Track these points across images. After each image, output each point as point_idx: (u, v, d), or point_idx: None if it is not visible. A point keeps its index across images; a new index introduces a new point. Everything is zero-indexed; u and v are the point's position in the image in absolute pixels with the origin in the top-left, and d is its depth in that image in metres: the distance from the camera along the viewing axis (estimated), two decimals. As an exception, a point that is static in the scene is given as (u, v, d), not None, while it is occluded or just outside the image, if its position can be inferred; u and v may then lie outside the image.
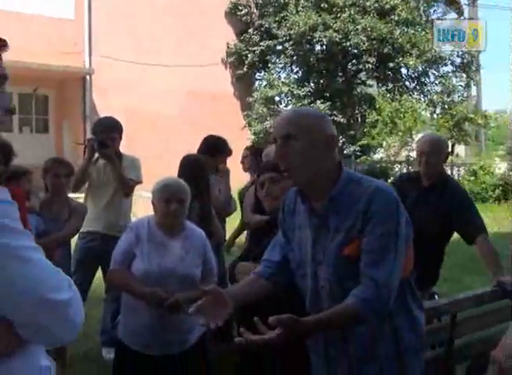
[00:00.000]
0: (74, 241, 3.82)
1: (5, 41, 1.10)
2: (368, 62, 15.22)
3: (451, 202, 3.02)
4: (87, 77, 12.99)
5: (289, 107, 16.00)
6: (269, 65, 16.49)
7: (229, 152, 4.12)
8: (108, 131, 3.86)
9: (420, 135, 14.02)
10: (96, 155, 3.88)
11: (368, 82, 16.88)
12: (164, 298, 2.39)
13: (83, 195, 4.16)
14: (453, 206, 3.00)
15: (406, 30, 15.01)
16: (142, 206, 4.42)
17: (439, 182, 3.13)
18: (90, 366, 3.82)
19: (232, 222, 4.58)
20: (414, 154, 14.80)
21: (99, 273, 4.06)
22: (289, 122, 1.69)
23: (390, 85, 16.67)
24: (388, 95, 15.35)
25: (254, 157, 4.33)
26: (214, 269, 2.71)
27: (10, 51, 1.14)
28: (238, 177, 5.03)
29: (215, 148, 4.00)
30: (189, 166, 3.40)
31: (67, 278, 1.07)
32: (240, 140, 9.88)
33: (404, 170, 14.51)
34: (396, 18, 15.08)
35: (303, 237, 1.74)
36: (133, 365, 2.52)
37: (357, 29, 14.66)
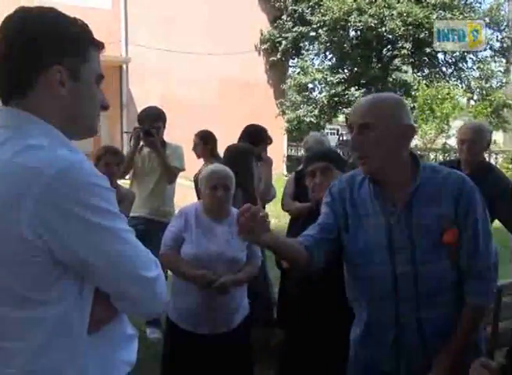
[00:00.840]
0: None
1: (103, 43, 1.24)
2: (404, 48, 14.99)
3: (493, 190, 3.03)
4: (124, 66, 13.24)
5: (323, 94, 15.95)
6: (303, 51, 16.42)
7: (269, 141, 4.20)
8: (153, 120, 3.99)
9: (457, 122, 13.81)
10: (141, 143, 4.02)
11: (403, 68, 16.63)
12: (212, 280, 2.52)
13: (127, 181, 4.32)
14: (496, 194, 3.00)
15: (443, 14, 14.68)
16: (179, 193, 4.54)
17: (480, 170, 3.14)
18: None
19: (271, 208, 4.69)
20: (450, 141, 14.62)
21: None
22: (365, 110, 1.71)
23: (426, 71, 16.41)
24: (424, 81, 15.10)
25: (202, 141, 4.34)
26: (258, 252, 2.82)
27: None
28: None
29: (256, 136, 4.08)
30: (232, 154, 3.49)
31: (154, 259, 1.19)
32: (274, 128, 9.92)
33: (440, 158, 14.31)
34: (433, 1, 14.76)
35: (371, 225, 1.75)
36: (182, 343, 2.66)
37: (393, 14, 14.42)
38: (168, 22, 13.49)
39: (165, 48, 13.42)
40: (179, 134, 7.13)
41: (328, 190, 1.91)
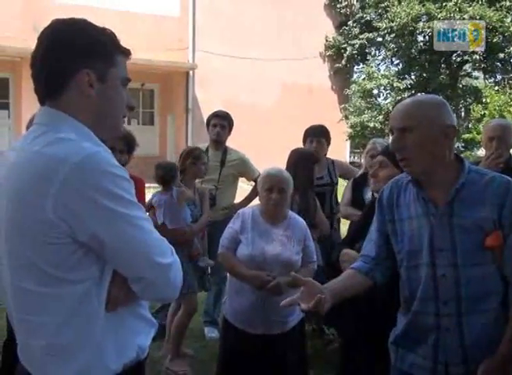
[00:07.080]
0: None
1: (129, 50, 1.34)
2: (475, 53, 14.45)
3: None
4: (190, 72, 13.60)
5: (388, 100, 15.66)
6: (368, 58, 16.20)
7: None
8: (221, 119, 4.19)
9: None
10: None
11: (473, 74, 16.04)
12: (266, 281, 2.56)
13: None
14: None
15: (518, 16, 14.06)
16: (240, 196, 4.65)
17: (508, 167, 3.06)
18: (193, 342, 4.09)
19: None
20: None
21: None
22: (405, 114, 1.72)
23: (499, 77, 15.73)
24: (496, 88, 14.48)
25: None
26: (313, 257, 2.82)
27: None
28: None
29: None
30: (293, 158, 3.52)
31: (170, 247, 1.27)
32: (336, 133, 9.86)
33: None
34: (508, 3, 14.15)
35: (415, 227, 1.75)
36: (237, 343, 2.71)
37: (464, 18, 13.94)
38: (235, 29, 13.74)
39: (231, 54, 13.66)
40: (242, 139, 7.26)
41: (377, 198, 1.94)
